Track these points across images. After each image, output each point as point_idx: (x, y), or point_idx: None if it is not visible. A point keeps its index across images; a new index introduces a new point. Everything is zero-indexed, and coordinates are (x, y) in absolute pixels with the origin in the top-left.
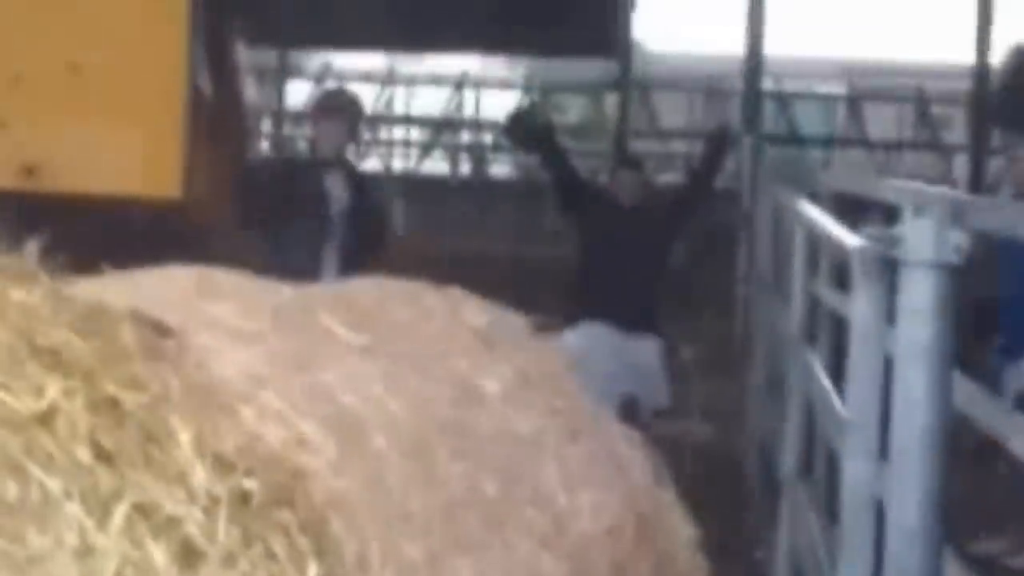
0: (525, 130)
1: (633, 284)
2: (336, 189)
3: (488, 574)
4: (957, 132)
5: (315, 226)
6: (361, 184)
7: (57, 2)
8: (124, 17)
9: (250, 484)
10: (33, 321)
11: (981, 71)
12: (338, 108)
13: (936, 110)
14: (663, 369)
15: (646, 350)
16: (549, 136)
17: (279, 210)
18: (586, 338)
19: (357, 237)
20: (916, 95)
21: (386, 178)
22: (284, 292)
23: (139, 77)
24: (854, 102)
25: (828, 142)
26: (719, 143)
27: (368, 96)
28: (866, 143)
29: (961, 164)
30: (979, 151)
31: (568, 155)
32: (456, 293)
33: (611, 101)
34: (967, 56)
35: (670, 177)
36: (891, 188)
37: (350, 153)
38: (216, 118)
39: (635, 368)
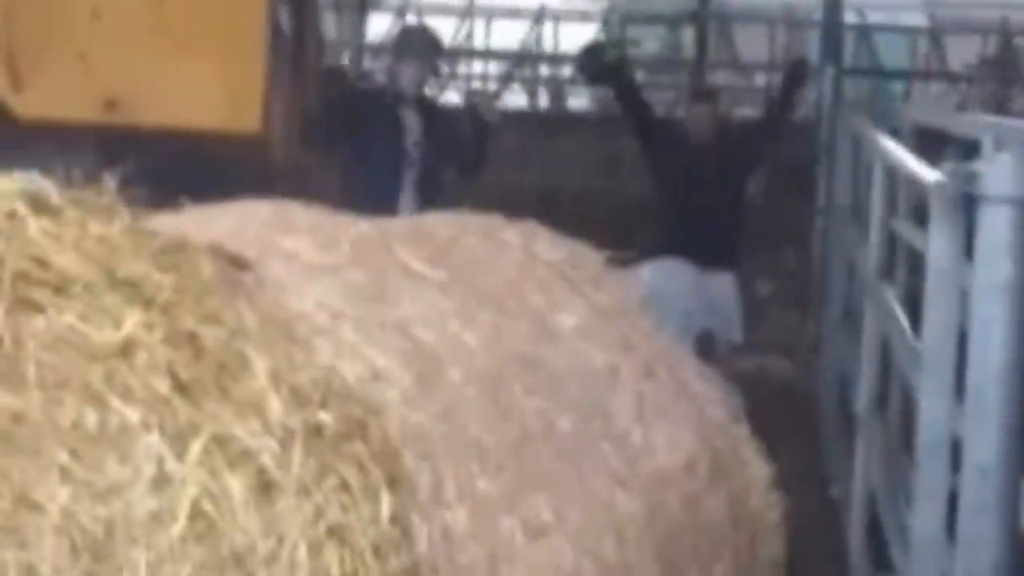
0: (598, 66)
1: (709, 218)
2: (413, 124)
3: (563, 509)
4: None
5: (392, 158)
6: (438, 118)
7: None
8: None
9: (325, 416)
10: (112, 254)
11: None
12: (418, 45)
13: (1020, 42)
14: (737, 304)
15: (721, 285)
16: (621, 71)
17: (354, 143)
18: (662, 273)
19: (433, 171)
20: (999, 27)
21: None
22: (360, 226)
23: (219, 11)
24: (936, 34)
25: (909, 74)
26: (796, 76)
27: (447, 29)
28: (948, 75)
29: None
30: None
31: (641, 90)
32: (532, 227)
33: (689, 33)
34: None
35: (749, 110)
36: (971, 122)
37: (429, 86)
38: (295, 53)
39: (710, 303)
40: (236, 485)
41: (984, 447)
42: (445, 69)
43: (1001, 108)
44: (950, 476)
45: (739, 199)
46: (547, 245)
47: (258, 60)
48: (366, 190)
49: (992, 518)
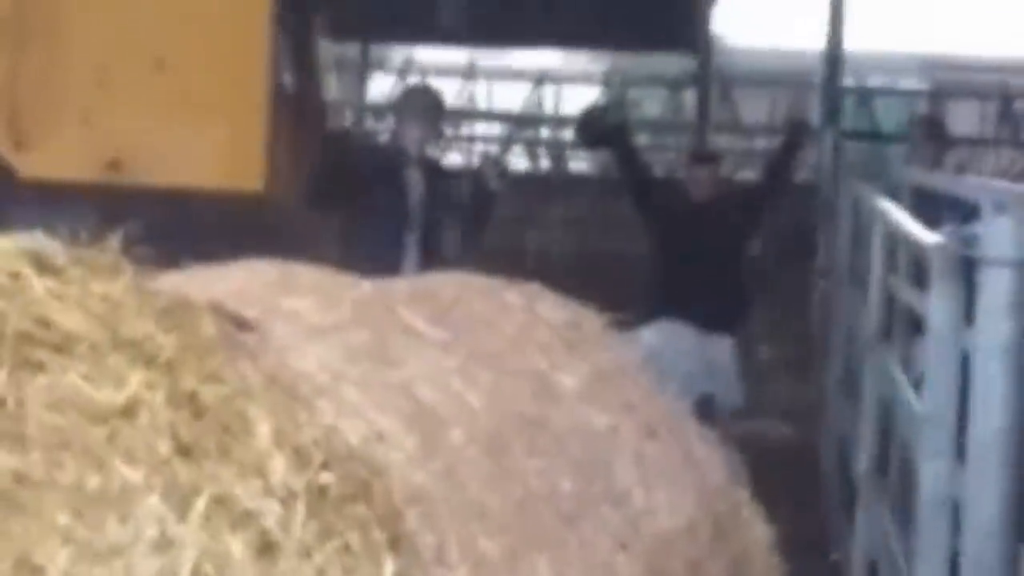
0: (597, 129)
1: (708, 281)
2: (416, 184)
3: (564, 571)
4: None
5: (395, 218)
6: (440, 179)
7: None
8: (208, 13)
9: (327, 478)
10: (115, 314)
11: None
12: (420, 106)
13: (1019, 106)
14: (737, 368)
15: (720, 348)
16: (621, 135)
17: (360, 202)
18: (663, 335)
19: (435, 230)
20: (999, 91)
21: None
22: (363, 286)
23: (222, 72)
24: (936, 98)
25: (908, 139)
26: (795, 138)
27: (449, 90)
28: (946, 139)
29: None
30: None
31: (640, 153)
32: (534, 289)
33: (691, 96)
34: None
35: (751, 173)
36: (970, 185)
37: (431, 148)
38: (298, 113)
39: (710, 366)
40: (238, 546)
41: (985, 509)
42: (447, 130)
43: (936, 166)
44: (951, 538)
45: (738, 262)
46: (549, 306)
47: (260, 120)
48: (369, 250)
49: None
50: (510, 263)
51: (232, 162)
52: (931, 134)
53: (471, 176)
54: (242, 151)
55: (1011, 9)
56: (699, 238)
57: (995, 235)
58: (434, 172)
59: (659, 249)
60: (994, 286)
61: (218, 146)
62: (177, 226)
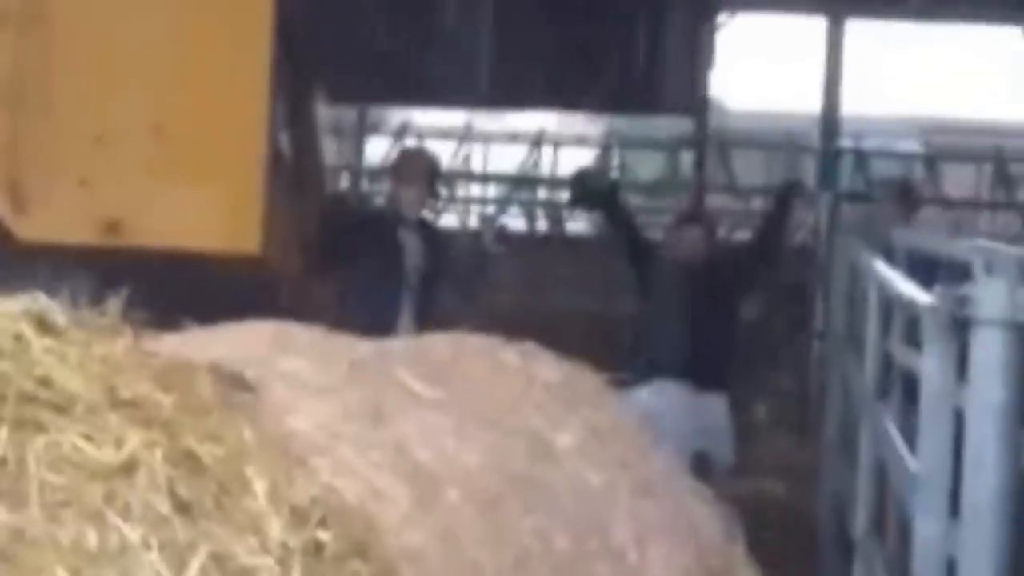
0: (588, 192)
1: (699, 341)
2: (412, 245)
3: None
4: None
5: (391, 281)
6: (437, 241)
7: (140, 63)
8: (205, 77)
9: (324, 535)
10: (115, 374)
11: None
12: (417, 169)
13: (1014, 168)
14: (730, 426)
15: (713, 407)
16: (612, 197)
17: (356, 266)
18: (658, 394)
19: (431, 293)
20: (994, 154)
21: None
22: (359, 347)
23: (219, 136)
24: (931, 160)
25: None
26: (787, 199)
27: (445, 153)
28: (943, 201)
29: None
30: None
31: (630, 213)
32: (530, 348)
33: (688, 158)
34: None
35: (747, 234)
36: (963, 246)
37: (427, 210)
38: (295, 175)
39: (705, 425)
40: None
41: (980, 569)
42: (443, 192)
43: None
44: None
45: (729, 321)
46: (545, 366)
47: (258, 182)
48: (365, 312)
49: None
50: (508, 323)
51: (229, 225)
52: (901, 196)
53: (469, 237)
54: (239, 214)
55: (1006, 73)
56: (690, 298)
57: (987, 296)
58: (430, 234)
59: (650, 309)
60: (986, 346)
61: (215, 209)
62: (175, 288)
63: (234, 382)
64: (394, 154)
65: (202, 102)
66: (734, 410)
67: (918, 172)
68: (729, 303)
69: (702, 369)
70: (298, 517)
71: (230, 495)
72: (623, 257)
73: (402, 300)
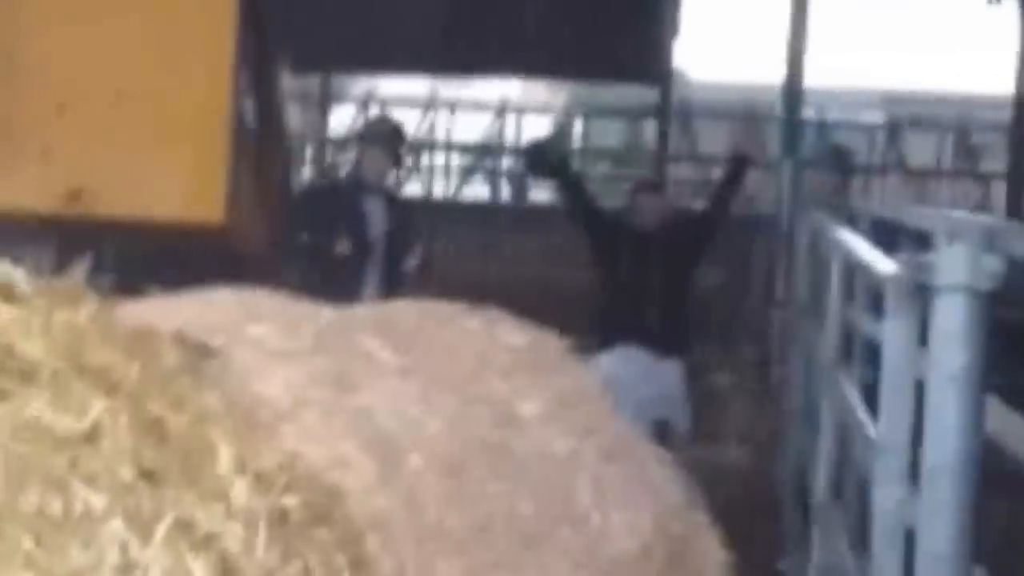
0: (542, 161)
1: (656, 308)
2: (376, 213)
3: None
4: (997, 161)
5: (356, 249)
6: (400, 208)
7: (102, 31)
8: (169, 46)
9: (289, 501)
10: (79, 342)
11: (1022, 100)
12: (382, 136)
13: (976, 138)
14: (685, 393)
15: (669, 374)
16: (565, 166)
17: (320, 234)
18: (620, 361)
19: (396, 260)
20: (956, 124)
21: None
22: (325, 314)
23: (183, 104)
24: (894, 130)
25: (867, 170)
26: (737, 167)
27: (410, 121)
28: (905, 171)
29: (1000, 192)
30: (1018, 179)
31: (583, 182)
32: (494, 315)
33: (651, 127)
34: (1007, 85)
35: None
36: (925, 215)
37: (391, 178)
38: (260, 144)
39: (663, 392)
40: (199, 570)
41: (938, 535)
42: (407, 160)
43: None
44: (905, 563)
45: (685, 288)
46: (510, 332)
47: (222, 151)
48: (331, 280)
49: None
50: (472, 291)
51: (193, 194)
52: (836, 163)
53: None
54: (203, 183)
55: (968, 44)
56: (645, 265)
57: (949, 263)
58: (395, 202)
59: (606, 276)
60: (947, 314)
61: (179, 178)
62: (140, 255)
63: (199, 349)
64: (358, 123)
65: (166, 71)
66: (697, 378)
67: (880, 142)
68: (685, 270)
69: (660, 336)
70: (264, 483)
71: (195, 462)
72: (577, 225)
73: (367, 268)
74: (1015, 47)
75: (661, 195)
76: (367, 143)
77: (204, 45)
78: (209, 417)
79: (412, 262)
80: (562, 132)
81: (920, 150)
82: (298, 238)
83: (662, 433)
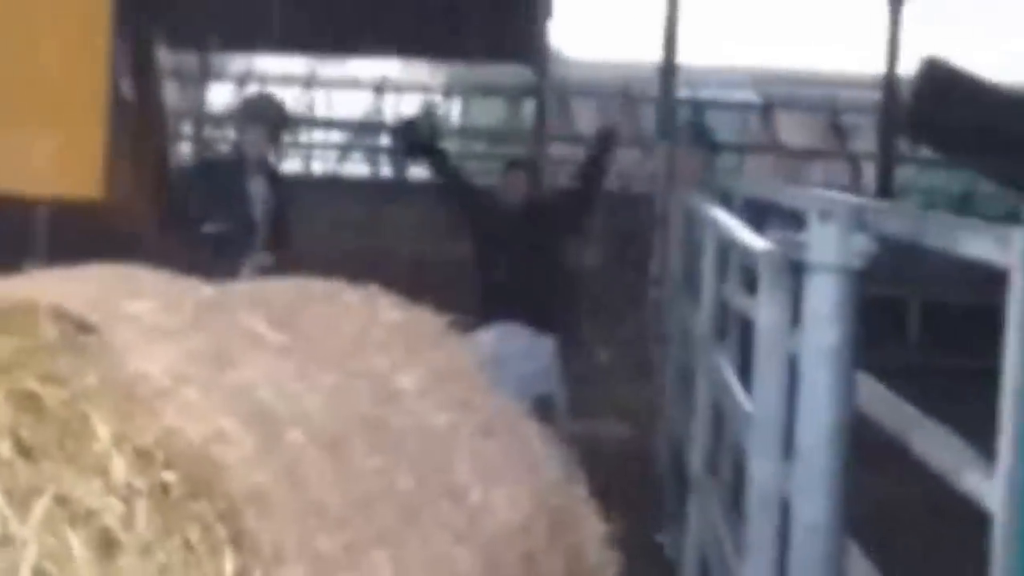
0: (412, 140)
1: (526, 284)
2: (258, 191)
3: (404, 567)
4: (867, 141)
5: (237, 227)
6: (281, 186)
7: None
8: (46, 21)
9: (169, 477)
10: None
11: (890, 81)
12: (264, 114)
13: (846, 119)
14: (559, 370)
15: (542, 350)
16: (433, 144)
17: (201, 211)
18: (500, 337)
19: (279, 238)
20: (827, 104)
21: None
22: (204, 290)
23: (60, 80)
24: (766, 110)
25: (740, 149)
26: (603, 143)
27: (288, 99)
28: (777, 150)
29: (870, 173)
30: (887, 159)
31: (452, 160)
32: (373, 291)
33: (529, 106)
34: (878, 66)
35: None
36: (798, 194)
37: (271, 156)
38: (137, 120)
39: (539, 368)
40: (78, 545)
41: (812, 507)
42: (286, 138)
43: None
44: (779, 535)
45: (555, 264)
46: (388, 308)
47: (99, 127)
48: (211, 258)
49: (819, 575)
50: (350, 268)
51: (70, 170)
52: (695, 140)
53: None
54: (80, 159)
55: (839, 25)
56: (515, 242)
57: (820, 242)
58: (276, 179)
59: (477, 253)
60: (819, 291)
61: (56, 153)
62: (17, 230)
63: (78, 324)
64: (237, 100)
65: (43, 45)
66: (577, 355)
67: (753, 121)
68: (553, 247)
69: (531, 312)
70: (143, 459)
71: (74, 438)
72: (451, 203)
73: (249, 245)
74: (885, 28)
75: (531, 173)
76: (249, 120)
77: (81, 20)
78: (87, 393)
79: (265, 261)
80: (430, 111)
81: (792, 130)
82: (178, 216)
83: (542, 409)
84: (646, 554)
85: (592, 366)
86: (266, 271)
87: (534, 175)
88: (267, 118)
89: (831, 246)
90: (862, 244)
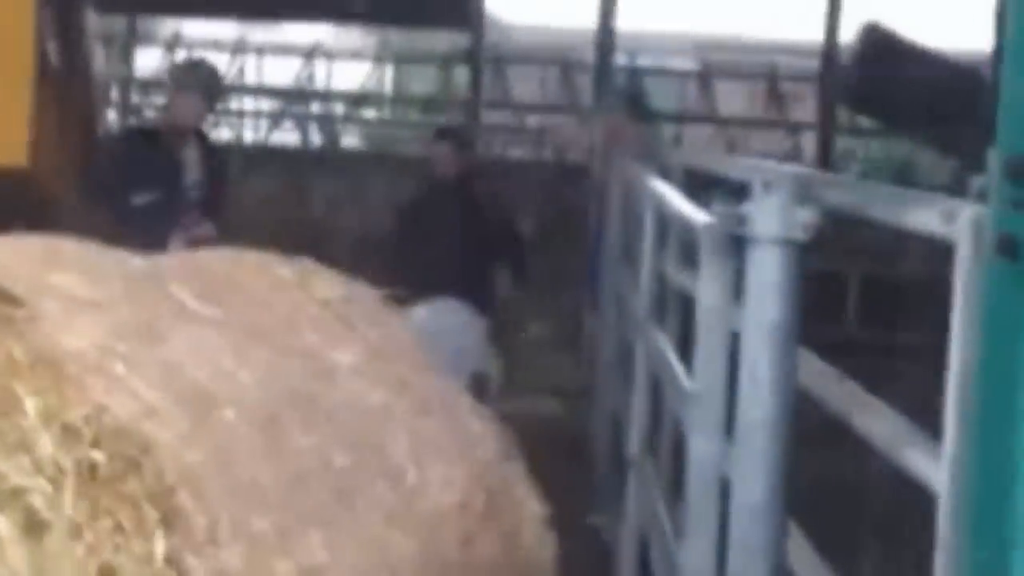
0: None
1: (459, 257)
2: (190, 160)
3: (338, 547)
4: (806, 110)
5: (169, 197)
6: (214, 155)
7: None
8: None
9: (97, 455)
10: None
11: (830, 49)
12: (198, 80)
13: (786, 87)
14: (487, 344)
15: (474, 325)
16: None
17: (131, 180)
18: (437, 313)
19: (212, 207)
20: (766, 72)
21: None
22: (134, 262)
23: None
24: (704, 78)
25: (679, 118)
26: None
27: (218, 65)
28: (716, 119)
29: (810, 142)
30: (827, 129)
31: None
32: (307, 265)
33: (463, 73)
34: (817, 34)
35: (521, 151)
36: (740, 165)
37: (204, 125)
38: (64, 86)
39: (471, 343)
40: (4, 525)
41: (753, 487)
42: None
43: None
44: (720, 516)
45: (481, 238)
46: (323, 283)
47: (25, 92)
48: (141, 229)
49: (760, 556)
50: (280, 240)
51: None
52: (630, 111)
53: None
54: (5, 125)
55: None
56: (439, 214)
57: (763, 214)
58: (209, 148)
59: (401, 225)
60: (762, 265)
61: None
62: None
63: (3, 297)
64: (165, 66)
65: None
66: (510, 330)
67: (692, 90)
68: (479, 222)
69: (464, 286)
70: (71, 436)
71: (0, 414)
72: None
73: (180, 216)
74: None
75: (460, 143)
76: (181, 87)
77: None
78: (13, 368)
79: (206, 230)
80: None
81: (730, 99)
82: (106, 184)
83: (477, 386)
84: (581, 536)
85: (526, 341)
86: (197, 243)
87: (465, 144)
88: (200, 85)
89: (775, 218)
90: (807, 216)
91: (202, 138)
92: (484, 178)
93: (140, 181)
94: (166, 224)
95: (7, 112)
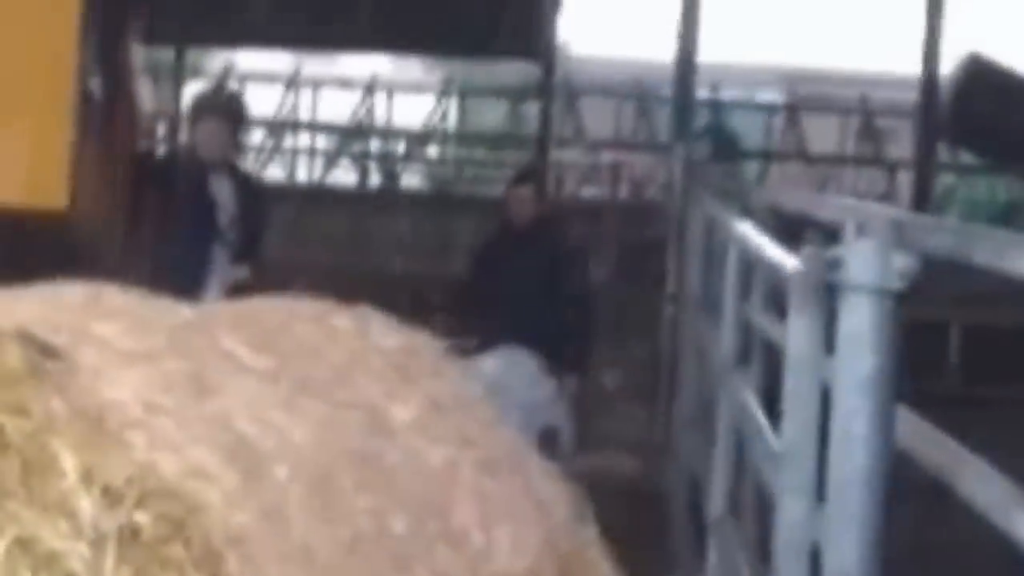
0: None
1: (531, 306)
2: (223, 195)
3: None
4: (903, 146)
5: (203, 233)
6: (248, 190)
7: None
8: (10, 16)
9: (140, 517)
10: None
11: (929, 81)
12: (216, 107)
13: (881, 122)
14: (561, 397)
15: (545, 376)
16: None
17: (168, 217)
18: (504, 364)
19: (250, 246)
20: (859, 106)
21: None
22: (180, 311)
23: (23, 81)
24: (793, 112)
25: (765, 155)
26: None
27: (272, 100)
28: (805, 156)
29: (906, 180)
30: (926, 167)
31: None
32: (365, 313)
33: (533, 108)
34: (914, 66)
35: (595, 190)
36: (831, 205)
37: (237, 157)
38: (108, 123)
39: (547, 397)
40: None
41: (845, 552)
42: (268, 142)
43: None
44: None
45: (562, 286)
46: (382, 332)
47: (65, 132)
48: (175, 266)
49: None
50: (339, 285)
51: (33, 178)
52: (718, 147)
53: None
54: (44, 166)
55: (872, 21)
56: (516, 261)
57: (857, 259)
58: (245, 182)
59: (477, 271)
60: (855, 314)
61: (17, 160)
62: None
63: (43, 349)
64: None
65: (5, 44)
66: (584, 381)
67: (778, 124)
68: (557, 268)
69: (535, 336)
70: (112, 498)
71: (37, 473)
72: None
73: (214, 253)
74: (923, 22)
75: (538, 186)
76: (199, 115)
77: (47, 17)
78: (52, 424)
79: (240, 274)
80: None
81: (821, 134)
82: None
83: (547, 442)
84: None
85: (600, 392)
86: (239, 287)
87: (541, 186)
88: (219, 112)
89: (869, 264)
90: (903, 263)
91: (235, 172)
92: (561, 223)
93: (173, 219)
94: (202, 261)
95: (46, 152)
